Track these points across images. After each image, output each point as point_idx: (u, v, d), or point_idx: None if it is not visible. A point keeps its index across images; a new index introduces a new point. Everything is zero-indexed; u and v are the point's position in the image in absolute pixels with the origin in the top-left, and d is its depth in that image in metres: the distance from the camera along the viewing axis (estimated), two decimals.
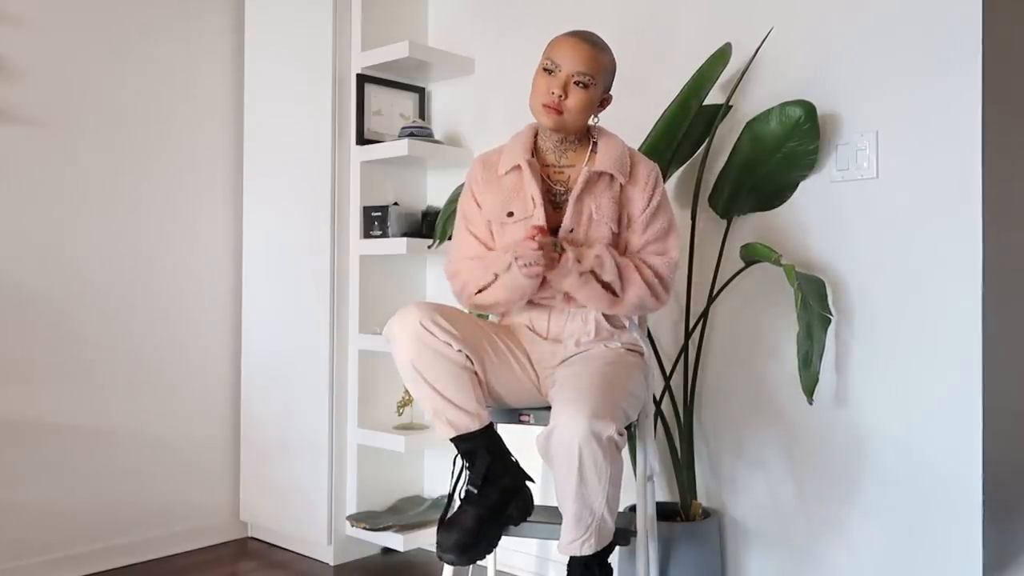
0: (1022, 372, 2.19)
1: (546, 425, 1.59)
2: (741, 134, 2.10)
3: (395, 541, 2.57)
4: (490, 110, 2.75)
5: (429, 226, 2.70)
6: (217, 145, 3.00)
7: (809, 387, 1.84)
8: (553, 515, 1.85)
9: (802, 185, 2.09)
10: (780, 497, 2.14)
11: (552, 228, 1.79)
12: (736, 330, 2.21)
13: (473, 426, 1.70)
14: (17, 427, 2.51)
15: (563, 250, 1.71)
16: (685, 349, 2.15)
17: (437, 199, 2.89)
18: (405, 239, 2.59)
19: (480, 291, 1.82)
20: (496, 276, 1.77)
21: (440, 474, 2.86)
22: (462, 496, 1.73)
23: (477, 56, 2.80)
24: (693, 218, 2.19)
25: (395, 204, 2.72)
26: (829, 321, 1.87)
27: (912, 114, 1.92)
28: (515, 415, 1.88)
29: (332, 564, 2.72)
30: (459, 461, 1.79)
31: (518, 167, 1.83)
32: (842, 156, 2.02)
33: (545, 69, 1.77)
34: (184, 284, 2.91)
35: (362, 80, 2.71)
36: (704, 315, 2.14)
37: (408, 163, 2.78)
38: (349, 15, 2.75)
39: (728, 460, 2.23)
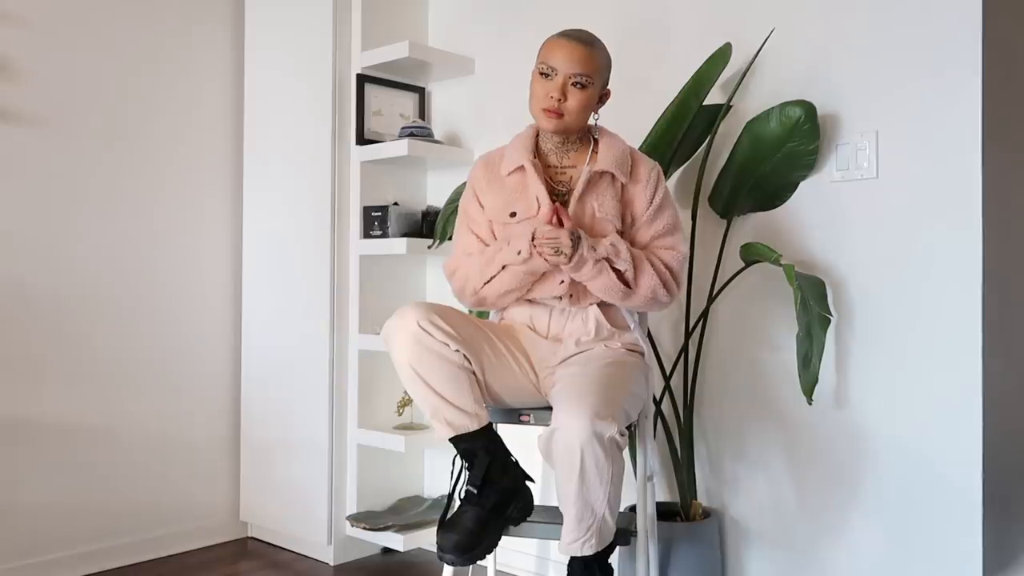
0: (1022, 372, 2.19)
1: (546, 425, 1.59)
2: (741, 134, 2.10)
3: (395, 541, 2.57)
4: (490, 110, 2.75)
5: (429, 226, 2.70)
6: (217, 145, 3.00)
7: (808, 387, 1.84)
8: (553, 515, 1.85)
9: (802, 185, 2.09)
10: (780, 497, 2.14)
11: None
12: (736, 330, 2.21)
13: (472, 426, 1.69)
14: (17, 427, 2.51)
15: (578, 237, 1.71)
16: (685, 349, 2.15)
17: (437, 199, 2.89)
18: (405, 239, 2.59)
19: (486, 283, 1.81)
20: (504, 267, 1.77)
21: (440, 474, 2.86)
22: (462, 496, 1.73)
23: (477, 56, 2.80)
24: (693, 218, 2.19)
25: (395, 204, 2.72)
26: (829, 321, 1.87)
27: (912, 114, 1.93)
28: (515, 415, 1.88)
29: (332, 564, 2.72)
30: (458, 461, 1.79)
31: (521, 168, 1.84)
32: (842, 156, 2.02)
33: (541, 74, 1.78)
34: (184, 283, 2.91)
35: (362, 80, 2.71)
36: (704, 315, 2.14)
37: (408, 163, 2.78)
38: (349, 15, 2.75)
39: (728, 460, 2.23)
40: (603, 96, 1.84)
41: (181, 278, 2.90)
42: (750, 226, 2.19)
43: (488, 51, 2.77)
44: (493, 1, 2.76)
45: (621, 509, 1.87)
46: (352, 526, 2.66)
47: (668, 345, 2.33)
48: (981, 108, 1.83)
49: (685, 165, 2.28)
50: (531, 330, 1.87)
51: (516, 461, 1.77)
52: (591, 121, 1.86)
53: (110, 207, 2.73)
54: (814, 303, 1.83)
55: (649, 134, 2.15)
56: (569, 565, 1.68)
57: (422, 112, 2.90)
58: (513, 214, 1.82)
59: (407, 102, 2.85)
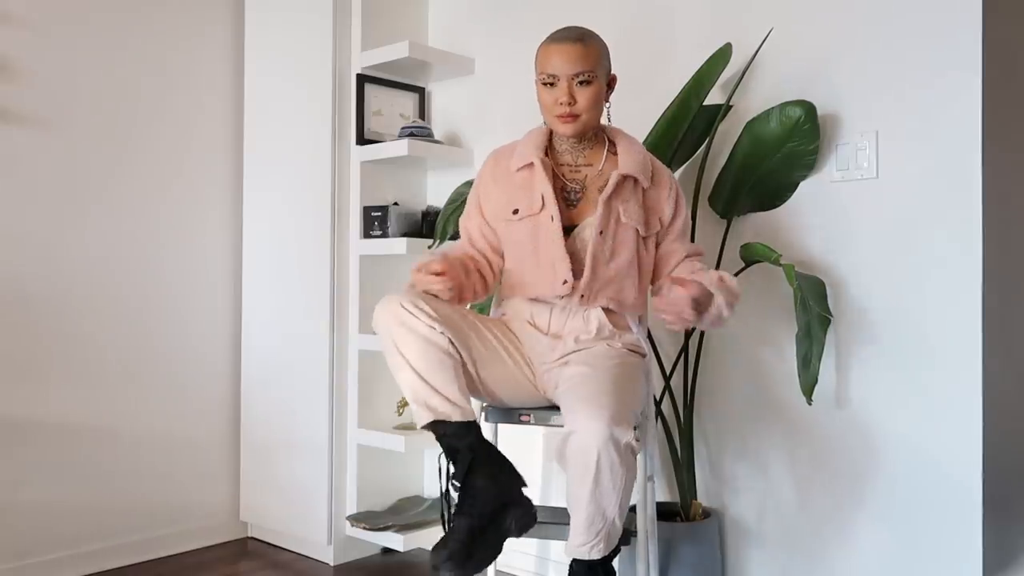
0: (1022, 372, 2.19)
1: (547, 425, 1.58)
2: (741, 134, 2.10)
3: (395, 541, 2.57)
4: (490, 110, 2.75)
5: (429, 226, 2.70)
6: (217, 145, 3.00)
7: (808, 387, 1.84)
8: (556, 515, 1.85)
9: (802, 185, 2.09)
10: (780, 497, 2.14)
11: (565, 227, 1.80)
12: (736, 330, 2.21)
13: (453, 416, 1.64)
14: (17, 427, 2.51)
15: (698, 303, 1.70)
16: (685, 349, 2.15)
17: (437, 199, 2.89)
18: (405, 239, 2.59)
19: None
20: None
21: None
22: (445, 491, 1.71)
23: (477, 56, 2.80)
24: (693, 218, 2.19)
25: (395, 204, 2.72)
26: (829, 321, 1.87)
27: (912, 114, 1.93)
28: (515, 415, 1.88)
29: (332, 564, 2.72)
30: (443, 460, 1.73)
31: (531, 164, 1.84)
32: (842, 156, 2.02)
33: (544, 84, 1.79)
34: (184, 283, 2.91)
35: (362, 80, 2.71)
36: None
37: (408, 163, 2.78)
38: (349, 15, 2.75)
39: (728, 460, 2.23)
40: (610, 83, 1.86)
41: (181, 278, 2.90)
42: (750, 226, 2.19)
43: (488, 51, 2.77)
44: (493, 1, 2.75)
45: None
46: (352, 526, 2.66)
47: (668, 345, 2.33)
48: (981, 108, 1.83)
49: (685, 165, 2.28)
50: (531, 325, 1.86)
51: (512, 467, 1.69)
52: (604, 110, 1.86)
53: (110, 207, 2.73)
54: (814, 303, 1.83)
55: (649, 134, 2.15)
56: (571, 567, 1.66)
57: (422, 112, 2.90)
58: (516, 211, 1.83)
59: (407, 102, 2.85)
